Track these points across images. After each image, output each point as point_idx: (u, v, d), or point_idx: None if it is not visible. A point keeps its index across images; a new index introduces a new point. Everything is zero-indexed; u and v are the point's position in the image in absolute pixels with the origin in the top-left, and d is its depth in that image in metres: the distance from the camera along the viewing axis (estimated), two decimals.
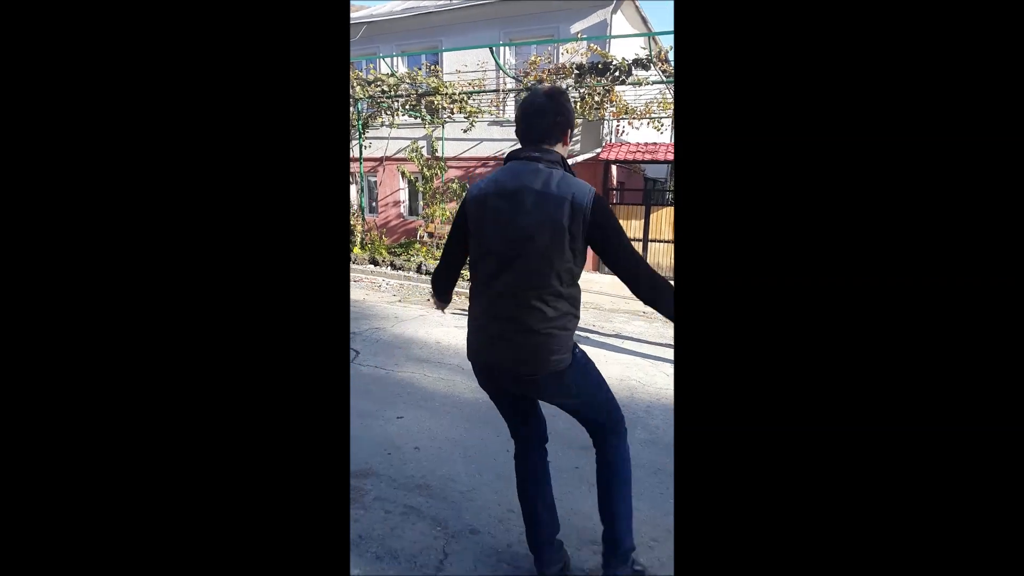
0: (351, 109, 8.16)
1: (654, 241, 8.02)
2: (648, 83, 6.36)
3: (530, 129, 1.37)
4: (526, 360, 1.39)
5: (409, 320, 5.06)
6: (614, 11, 8.14)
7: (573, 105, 1.69)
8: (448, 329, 4.75)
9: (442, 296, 1.66)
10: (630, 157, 8.06)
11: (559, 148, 1.40)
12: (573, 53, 7.19)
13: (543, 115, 1.36)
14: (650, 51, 6.13)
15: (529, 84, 6.95)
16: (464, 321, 5.07)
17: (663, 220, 7.98)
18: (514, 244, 1.32)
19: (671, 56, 7.88)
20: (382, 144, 9.67)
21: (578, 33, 7.81)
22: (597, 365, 1.62)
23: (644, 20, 9.19)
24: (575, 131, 1.44)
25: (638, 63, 6.01)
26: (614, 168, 8.79)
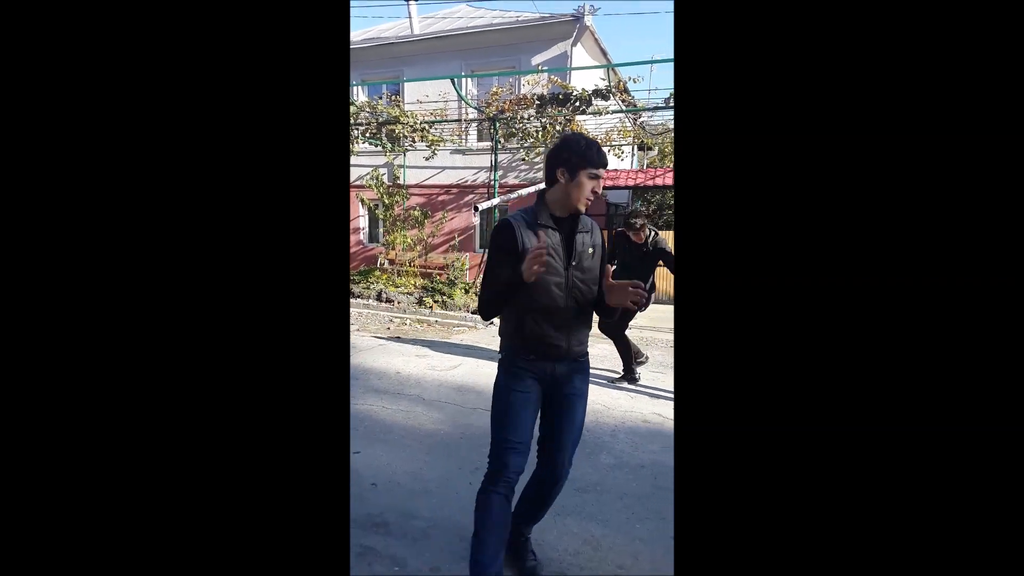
0: None
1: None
2: (608, 112, 6.54)
3: None
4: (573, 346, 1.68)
5: (367, 350, 4.91)
6: (574, 44, 8.40)
7: (558, 144, 1.66)
8: (408, 358, 4.62)
9: None
10: None
11: (551, 191, 1.59)
12: (534, 84, 7.35)
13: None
14: (609, 82, 6.32)
15: (491, 115, 7.05)
16: (421, 350, 4.95)
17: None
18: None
19: (629, 87, 8.17)
20: None
21: (539, 65, 8.00)
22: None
23: (604, 52, 9.52)
24: (567, 172, 1.53)
25: (598, 93, 6.18)
26: None
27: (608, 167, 1.46)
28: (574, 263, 1.57)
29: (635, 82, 8.06)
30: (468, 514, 2.19)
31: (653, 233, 3.80)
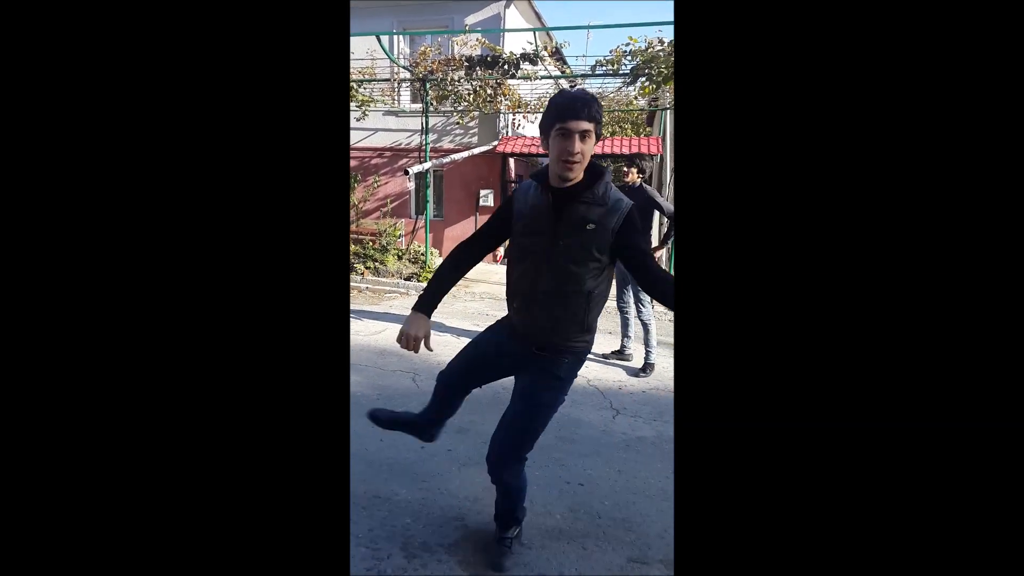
0: None
1: None
2: (537, 78, 6.53)
3: None
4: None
5: None
6: (507, 5, 8.24)
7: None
8: None
9: None
10: (526, 150, 8.23)
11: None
12: (462, 45, 7.20)
13: None
14: (537, 46, 6.29)
15: (420, 74, 6.88)
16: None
17: None
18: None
19: (563, 52, 8.14)
20: None
21: (466, 26, 7.82)
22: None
23: (538, 15, 9.39)
24: (544, 137, 1.37)
25: (525, 57, 6.15)
26: (511, 161, 8.94)
27: (590, 120, 1.28)
28: (561, 242, 1.38)
29: (565, 47, 8.03)
30: (377, 469, 2.29)
31: (641, 180, 3.69)
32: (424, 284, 6.27)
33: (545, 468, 2.38)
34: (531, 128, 9.38)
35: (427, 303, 1.49)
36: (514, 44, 7.63)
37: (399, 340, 1.44)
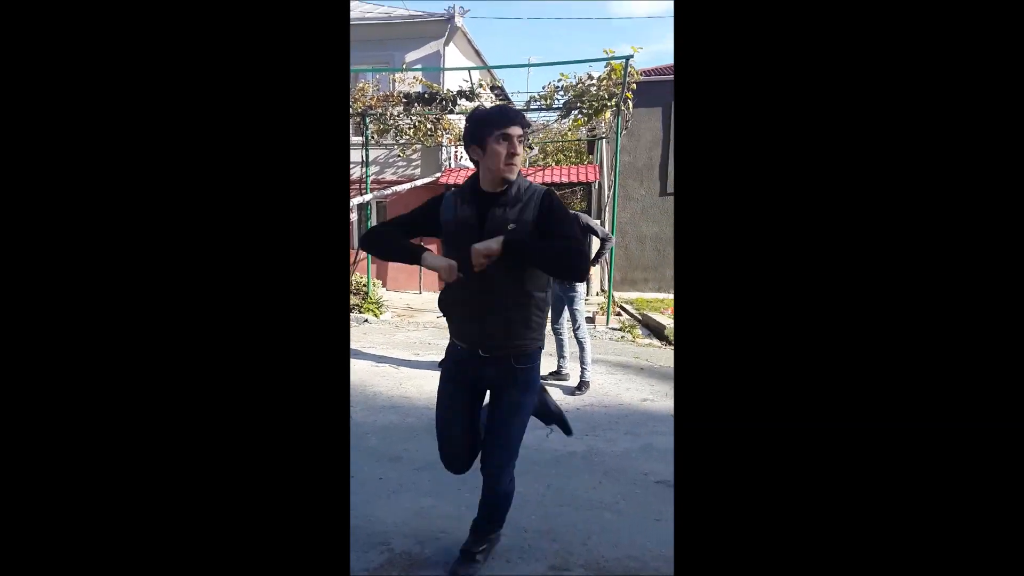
0: None
1: None
2: None
3: None
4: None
5: None
6: (446, 43, 8.53)
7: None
8: None
9: None
10: None
11: (479, 172, 1.48)
12: (400, 82, 7.40)
13: None
14: (471, 83, 6.53)
15: (359, 109, 6.99)
16: None
17: None
18: None
19: (502, 88, 8.46)
20: None
21: (404, 64, 8.04)
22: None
23: (477, 53, 9.74)
24: (479, 147, 1.44)
25: (462, 94, 6.37)
26: None
27: (523, 126, 1.38)
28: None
29: (500, 83, 8.37)
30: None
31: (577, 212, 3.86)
32: (367, 314, 6.23)
33: (476, 491, 2.43)
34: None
35: (414, 249, 1.48)
36: (455, 81, 7.88)
37: (448, 274, 1.40)
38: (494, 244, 1.32)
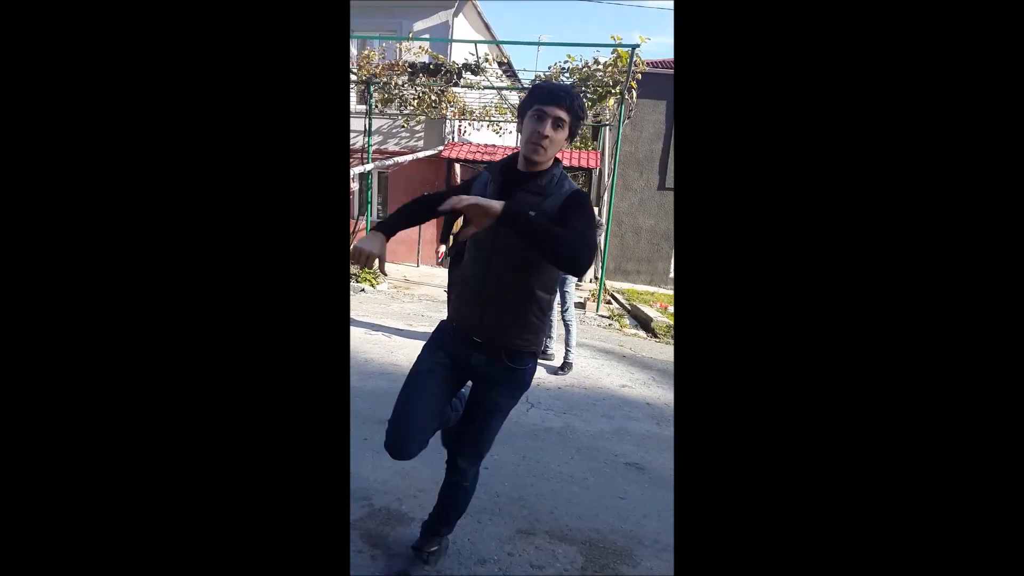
0: None
1: None
2: (480, 87, 6.74)
3: None
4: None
5: None
6: (455, 14, 8.43)
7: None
8: None
9: None
10: (472, 157, 8.42)
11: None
12: (407, 51, 7.34)
13: None
14: (478, 56, 6.51)
15: (363, 77, 6.95)
16: None
17: None
18: None
19: (510, 64, 8.41)
20: None
21: (410, 33, 7.96)
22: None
23: (487, 26, 9.63)
24: (520, 120, 1.39)
25: (467, 67, 6.35)
26: (457, 167, 9.11)
27: (567, 111, 1.29)
28: (502, 230, 1.26)
29: (504, 60, 8.29)
30: None
31: None
32: (364, 284, 6.32)
33: None
34: (477, 135, 9.57)
35: (389, 226, 1.43)
36: (462, 53, 7.82)
37: (352, 256, 1.31)
38: (496, 205, 1.18)
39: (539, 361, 4.08)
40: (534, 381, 3.71)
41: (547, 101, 1.32)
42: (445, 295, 1.64)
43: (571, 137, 1.37)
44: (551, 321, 4.17)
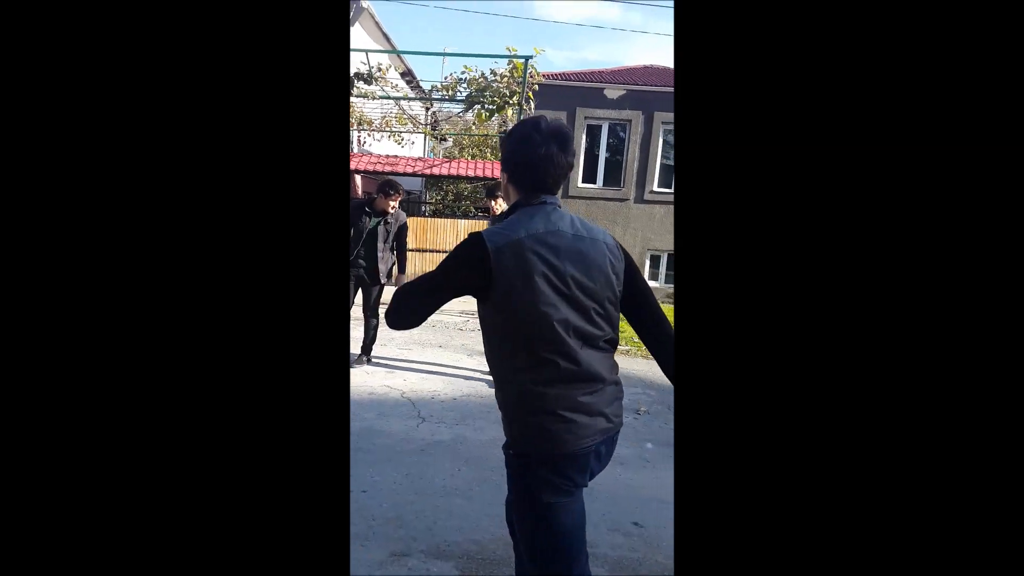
0: None
1: (412, 251, 8.23)
2: (374, 97, 6.59)
3: (557, 174, 1.21)
4: (616, 414, 1.22)
5: None
6: (352, 22, 8.22)
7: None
8: None
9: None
10: (373, 168, 8.20)
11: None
12: None
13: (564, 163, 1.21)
14: (370, 66, 6.37)
15: None
16: None
17: (419, 230, 8.23)
18: (590, 295, 1.16)
19: (415, 71, 8.31)
20: None
21: None
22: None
23: (386, 37, 9.48)
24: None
25: (359, 76, 6.19)
26: (359, 177, 8.84)
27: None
28: None
29: (402, 71, 8.20)
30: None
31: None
32: None
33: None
34: (378, 146, 9.36)
35: None
36: (356, 63, 7.62)
37: None
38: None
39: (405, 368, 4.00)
40: (429, 395, 3.64)
41: (487, 195, 1.40)
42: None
43: (505, 170, 1.26)
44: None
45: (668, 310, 7.58)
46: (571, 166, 1.23)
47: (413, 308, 1.18)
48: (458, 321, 6.12)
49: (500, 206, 3.65)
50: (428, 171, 8.36)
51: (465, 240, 1.14)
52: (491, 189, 3.72)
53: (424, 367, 4.21)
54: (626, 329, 6.25)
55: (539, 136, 1.18)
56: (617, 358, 1.26)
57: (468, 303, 4.79)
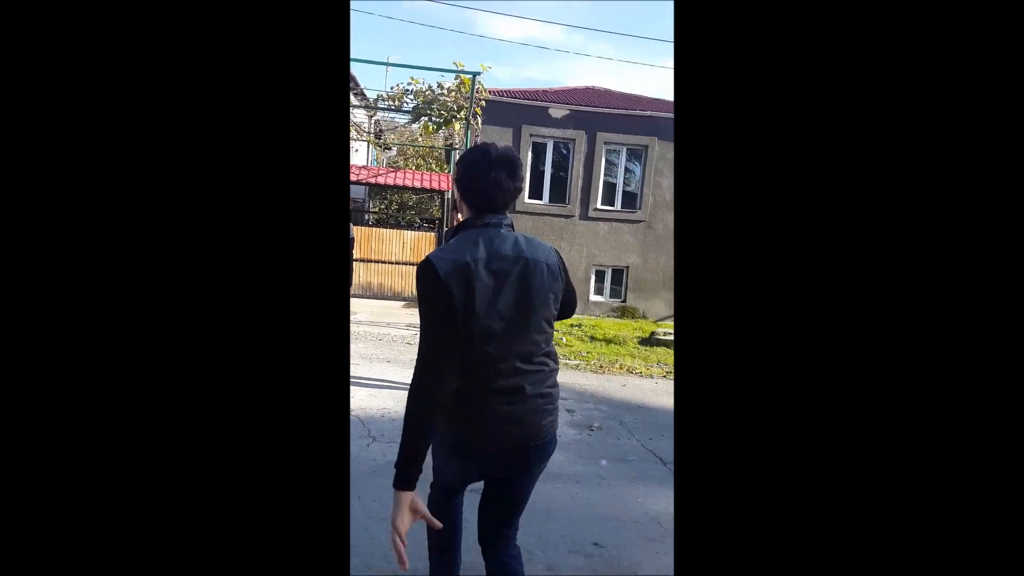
0: None
1: (357, 261, 7.97)
2: None
3: (505, 198, 1.29)
4: (540, 426, 1.31)
5: None
6: None
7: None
8: None
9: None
10: None
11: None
12: None
13: (511, 188, 1.29)
14: None
15: None
16: None
17: (363, 239, 8.00)
18: (524, 311, 1.24)
19: (359, 79, 8.14)
20: None
21: None
22: None
23: None
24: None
25: None
26: None
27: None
28: None
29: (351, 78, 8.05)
30: None
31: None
32: None
33: None
34: None
35: (412, 475, 1.28)
36: None
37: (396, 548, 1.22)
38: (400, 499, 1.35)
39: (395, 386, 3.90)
40: (380, 413, 3.52)
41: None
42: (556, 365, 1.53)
43: (457, 190, 1.35)
44: None
45: (611, 324, 7.79)
46: (519, 190, 1.31)
47: (441, 365, 1.18)
48: (406, 335, 5.99)
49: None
50: (372, 180, 8.19)
51: (418, 273, 1.20)
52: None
53: (372, 383, 4.08)
54: (574, 344, 6.35)
55: (486, 163, 1.26)
56: (567, 373, 1.33)
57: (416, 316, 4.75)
